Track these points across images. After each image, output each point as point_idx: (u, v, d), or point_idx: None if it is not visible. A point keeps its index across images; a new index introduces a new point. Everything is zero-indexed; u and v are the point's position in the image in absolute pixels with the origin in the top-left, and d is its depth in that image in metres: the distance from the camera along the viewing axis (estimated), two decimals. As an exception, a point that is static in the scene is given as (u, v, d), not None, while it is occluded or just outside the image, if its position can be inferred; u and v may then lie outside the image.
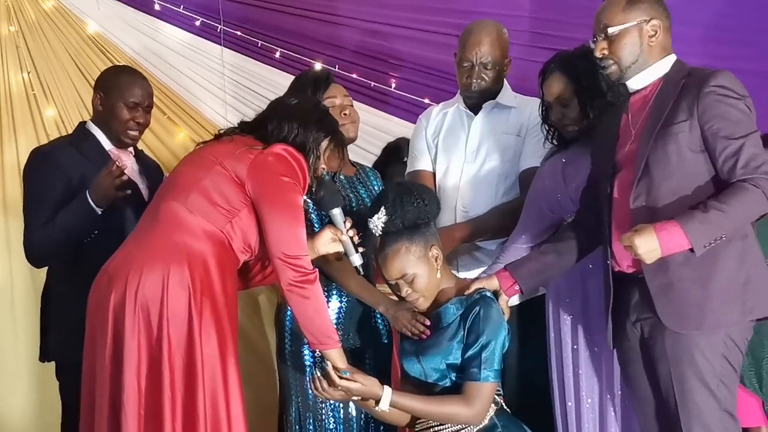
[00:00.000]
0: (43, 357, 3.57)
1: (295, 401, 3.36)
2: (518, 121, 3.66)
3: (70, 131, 3.82)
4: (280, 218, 2.87)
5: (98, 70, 4.71)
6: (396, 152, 4.51)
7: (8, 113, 4.76)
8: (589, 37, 3.27)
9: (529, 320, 3.54)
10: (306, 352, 3.31)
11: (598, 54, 2.93)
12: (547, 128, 3.46)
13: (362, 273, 3.17)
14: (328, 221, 3.23)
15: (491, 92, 3.73)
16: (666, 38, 2.95)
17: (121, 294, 2.79)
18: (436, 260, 3.03)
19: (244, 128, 3.10)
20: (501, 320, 2.96)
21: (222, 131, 3.15)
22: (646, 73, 2.94)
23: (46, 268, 3.57)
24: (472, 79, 3.67)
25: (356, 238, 3.13)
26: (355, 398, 2.94)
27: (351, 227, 3.13)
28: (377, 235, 3.07)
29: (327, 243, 3.14)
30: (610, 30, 2.90)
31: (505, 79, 3.77)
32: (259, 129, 3.05)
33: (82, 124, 3.60)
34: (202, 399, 2.78)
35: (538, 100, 3.58)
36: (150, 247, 2.86)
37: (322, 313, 2.95)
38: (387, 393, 2.87)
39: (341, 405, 3.29)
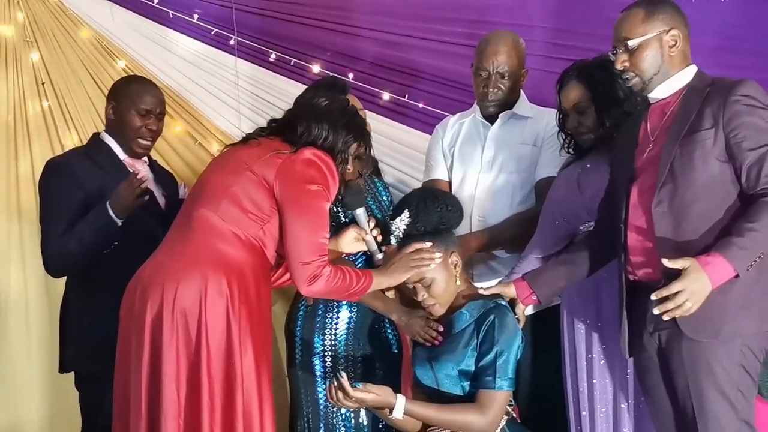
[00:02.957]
0: (62, 368, 3.56)
1: (305, 410, 3.39)
2: (534, 131, 3.67)
3: (85, 141, 3.83)
4: (300, 226, 2.87)
5: (111, 79, 4.75)
6: None
7: (23, 123, 4.79)
8: (607, 47, 3.25)
9: (543, 330, 3.55)
10: (316, 362, 3.37)
11: (619, 66, 2.92)
12: (563, 137, 3.47)
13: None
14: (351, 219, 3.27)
15: (507, 102, 3.74)
16: (686, 47, 2.94)
17: (158, 304, 2.78)
18: (455, 267, 3.05)
19: (273, 130, 3.08)
20: (516, 329, 2.98)
21: (249, 134, 3.12)
22: (669, 83, 2.93)
23: (64, 279, 3.57)
24: (488, 88, 3.69)
25: (380, 238, 3.17)
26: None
27: (375, 227, 3.16)
28: (398, 238, 3.09)
29: (351, 242, 3.19)
30: (630, 42, 2.89)
31: (521, 90, 3.78)
32: (288, 131, 3.02)
33: (96, 134, 3.61)
34: (240, 408, 2.79)
35: (554, 111, 3.60)
36: (185, 256, 2.85)
37: (346, 285, 2.92)
38: (401, 401, 2.89)
39: (352, 414, 3.34)
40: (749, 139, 2.73)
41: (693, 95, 2.88)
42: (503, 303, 3.06)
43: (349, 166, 3.09)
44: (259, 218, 2.88)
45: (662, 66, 2.92)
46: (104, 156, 3.49)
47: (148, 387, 2.77)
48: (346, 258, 3.39)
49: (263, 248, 2.91)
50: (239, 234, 2.87)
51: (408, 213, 3.08)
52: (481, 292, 3.13)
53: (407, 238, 3.06)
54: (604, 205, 3.15)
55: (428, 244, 3.03)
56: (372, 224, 3.16)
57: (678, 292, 2.65)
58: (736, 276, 2.68)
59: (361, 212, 3.14)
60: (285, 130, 3.03)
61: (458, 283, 3.07)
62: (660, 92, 2.95)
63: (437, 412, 2.94)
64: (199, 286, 2.79)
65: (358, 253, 3.41)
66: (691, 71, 2.94)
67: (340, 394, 2.86)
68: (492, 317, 2.96)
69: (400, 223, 3.08)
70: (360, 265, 3.47)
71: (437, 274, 3.03)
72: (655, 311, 2.70)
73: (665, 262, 2.68)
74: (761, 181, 2.70)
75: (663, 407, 2.97)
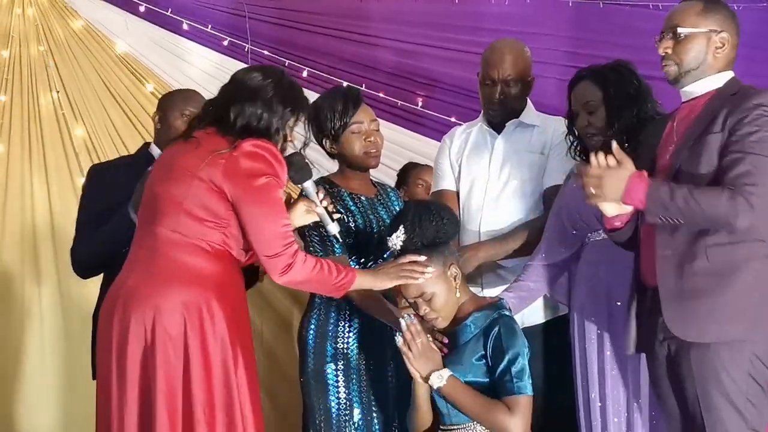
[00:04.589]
0: (95, 375, 3.62)
1: (318, 418, 3.36)
2: (541, 139, 3.65)
3: (99, 150, 3.87)
4: (260, 221, 2.85)
5: (126, 89, 4.77)
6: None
7: (38, 132, 4.86)
8: (620, 56, 3.43)
9: (554, 339, 3.56)
10: (329, 370, 3.33)
11: (661, 51, 2.93)
12: (570, 140, 3.47)
13: (341, 241, 3.23)
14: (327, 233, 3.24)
15: (514, 110, 3.74)
16: (731, 54, 2.95)
17: (140, 333, 2.77)
18: (454, 279, 3.03)
19: (208, 120, 3.00)
20: (522, 336, 2.99)
21: (187, 129, 3.05)
22: (702, 83, 2.95)
23: (78, 289, 3.62)
24: (494, 95, 3.68)
25: (331, 207, 3.15)
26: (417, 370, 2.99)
27: (325, 197, 3.14)
28: (396, 253, 3.08)
29: (302, 215, 3.14)
30: (680, 30, 2.90)
31: (528, 98, 3.78)
32: (223, 117, 2.94)
33: (146, 145, 3.70)
34: (239, 419, 2.80)
35: (562, 119, 3.60)
36: (158, 279, 2.83)
37: (325, 276, 2.91)
38: (447, 371, 2.94)
39: (364, 424, 3.32)
40: (741, 141, 2.76)
41: (718, 100, 2.90)
42: (507, 313, 3.05)
43: (290, 141, 3.04)
44: (219, 224, 2.86)
45: (703, 63, 2.93)
46: (148, 164, 3.49)
47: (139, 410, 2.76)
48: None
49: (230, 251, 2.90)
50: (204, 246, 2.85)
51: (403, 228, 3.05)
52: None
53: (404, 254, 3.05)
54: None
55: (423, 258, 3.05)
56: (321, 195, 3.13)
57: (596, 177, 2.75)
58: (640, 211, 2.80)
59: (309, 185, 3.10)
60: (221, 117, 2.95)
61: (458, 295, 3.05)
62: (691, 89, 2.96)
63: (472, 395, 2.94)
64: (180, 309, 2.78)
65: (369, 263, 3.40)
66: (725, 77, 2.94)
67: (418, 326, 2.98)
68: (498, 327, 2.95)
69: (396, 239, 3.05)
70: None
71: (437, 288, 3.01)
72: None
73: (614, 146, 2.77)
74: (726, 179, 2.75)
75: (674, 415, 2.97)
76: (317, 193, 3.11)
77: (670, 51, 2.92)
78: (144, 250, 2.91)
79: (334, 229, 3.13)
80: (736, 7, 4.66)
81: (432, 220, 3.04)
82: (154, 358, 2.74)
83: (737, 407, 2.78)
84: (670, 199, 2.75)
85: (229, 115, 2.91)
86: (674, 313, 2.82)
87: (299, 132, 3.08)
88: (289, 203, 3.19)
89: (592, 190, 2.78)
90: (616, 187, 2.77)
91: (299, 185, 3.13)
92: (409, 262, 3.00)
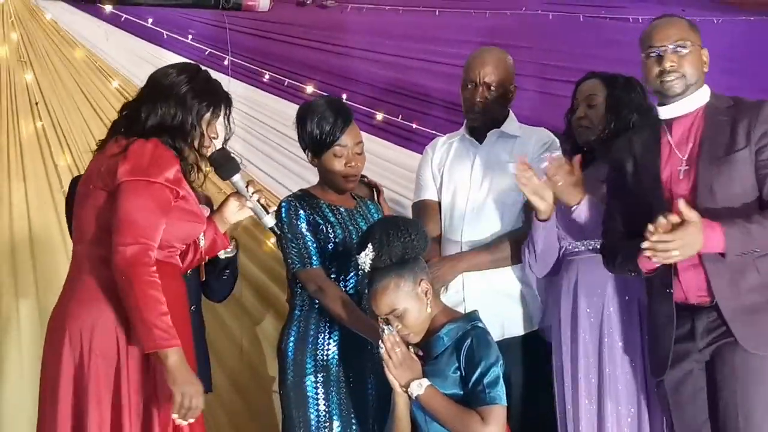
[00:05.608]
0: None
1: (298, 430, 3.35)
2: (523, 150, 3.62)
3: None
4: (122, 206, 2.76)
5: (105, 98, 4.73)
6: None
7: (16, 144, 4.83)
8: (596, 68, 3.58)
9: (533, 351, 3.61)
10: (308, 382, 3.34)
11: (668, 65, 2.98)
12: (563, 138, 3.60)
13: (277, 233, 3.22)
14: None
15: (495, 119, 3.76)
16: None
17: (73, 352, 2.75)
18: (425, 294, 3.05)
19: (118, 128, 2.95)
20: (495, 347, 3.01)
21: (103, 139, 3.00)
22: (695, 96, 3.03)
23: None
24: (475, 98, 3.71)
25: (263, 200, 3.11)
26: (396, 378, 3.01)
27: (256, 191, 3.11)
28: (366, 271, 3.10)
29: (235, 212, 3.12)
30: (685, 43, 2.99)
31: (510, 109, 3.80)
32: (134, 121, 2.90)
33: None
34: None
35: (543, 130, 3.68)
36: (83, 296, 2.80)
37: (148, 293, 2.75)
38: (426, 380, 2.97)
39: None
40: None
41: (718, 114, 2.99)
42: (480, 324, 3.08)
43: (209, 137, 2.99)
44: None
45: (699, 78, 3.03)
46: None
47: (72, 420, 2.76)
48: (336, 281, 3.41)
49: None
50: None
51: (372, 246, 3.06)
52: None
53: (374, 272, 3.07)
54: (613, 206, 3.23)
55: None
56: (252, 189, 3.10)
57: (672, 240, 2.76)
58: (722, 255, 2.82)
59: (237, 179, 3.08)
60: (131, 122, 2.90)
61: (429, 310, 3.07)
62: (690, 103, 3.03)
63: (449, 405, 2.96)
64: (109, 323, 2.76)
65: (350, 274, 3.42)
66: (708, 89, 3.05)
67: (397, 338, 2.99)
68: (470, 339, 2.98)
69: (366, 258, 3.06)
70: (352, 282, 3.45)
71: (408, 304, 3.02)
72: (644, 245, 2.79)
73: (680, 204, 2.78)
74: None
75: (693, 421, 3.02)
76: (247, 187, 3.08)
77: (676, 65, 2.99)
78: (73, 271, 2.89)
79: (269, 221, 3.10)
80: (715, 21, 4.76)
81: (400, 237, 3.05)
82: (83, 377, 2.73)
83: None
84: (748, 235, 2.82)
85: (140, 116, 2.87)
86: (744, 329, 2.88)
87: (223, 126, 3.05)
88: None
89: (676, 253, 2.80)
90: (696, 243, 2.80)
91: (226, 181, 3.10)
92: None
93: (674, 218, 2.78)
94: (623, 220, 3.14)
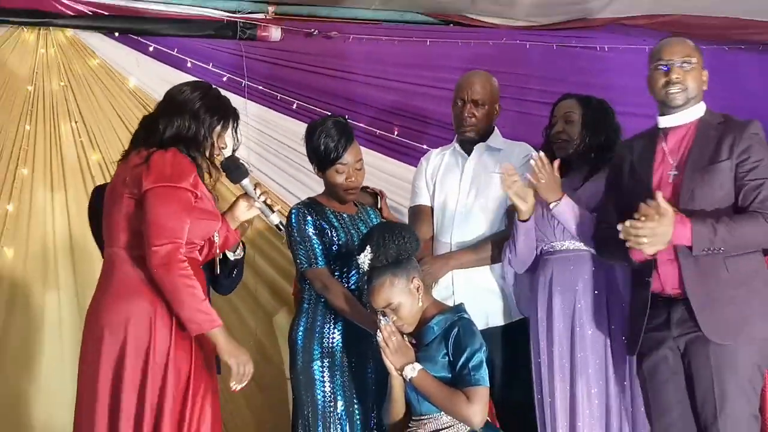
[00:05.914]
0: None
1: (306, 410, 3.50)
2: (507, 161, 3.74)
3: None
4: (152, 210, 2.86)
5: (137, 119, 4.87)
6: None
7: (58, 157, 4.93)
8: (567, 91, 3.71)
9: (512, 340, 3.76)
10: (316, 367, 3.48)
11: (674, 77, 3.08)
12: (540, 146, 3.69)
13: (281, 230, 3.27)
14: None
15: (482, 134, 3.90)
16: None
17: (112, 349, 2.83)
18: (417, 290, 3.18)
19: (139, 139, 3.04)
20: (479, 335, 3.17)
21: (127, 150, 3.08)
22: (692, 110, 3.14)
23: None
24: (464, 113, 3.86)
25: (269, 200, 3.19)
26: (392, 362, 3.15)
27: (263, 192, 3.18)
28: (365, 270, 3.24)
29: (244, 211, 3.18)
30: (691, 60, 3.10)
31: (495, 126, 3.98)
32: (153, 131, 2.99)
33: None
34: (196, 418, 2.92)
35: (524, 144, 3.87)
36: (117, 294, 2.88)
37: (187, 289, 2.86)
38: (418, 365, 3.11)
39: (346, 415, 3.47)
40: (754, 171, 2.99)
41: (709, 128, 3.07)
42: (465, 316, 3.19)
43: (219, 147, 3.06)
44: None
45: (699, 93, 3.14)
46: None
47: (109, 405, 2.84)
48: (337, 277, 3.55)
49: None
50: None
51: (370, 248, 3.16)
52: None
53: (372, 270, 3.17)
54: (617, 204, 3.28)
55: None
56: (259, 191, 3.15)
57: (642, 228, 2.88)
58: (690, 248, 2.91)
59: (246, 182, 3.13)
60: (151, 131, 2.99)
61: (420, 303, 3.18)
62: (687, 115, 3.13)
63: (438, 386, 3.07)
64: (143, 314, 2.85)
65: (352, 272, 3.55)
66: (704, 106, 3.16)
67: (393, 328, 3.11)
68: (457, 329, 3.11)
69: (365, 258, 3.17)
70: (354, 279, 3.56)
71: (402, 299, 3.14)
72: (619, 227, 2.91)
73: (658, 196, 2.89)
74: (754, 204, 2.98)
75: (667, 402, 3.13)
76: (255, 189, 3.16)
77: (680, 78, 3.09)
78: (104, 273, 2.98)
79: (275, 219, 3.17)
80: (726, 48, 4.91)
81: (395, 240, 3.18)
82: (120, 372, 2.83)
83: (746, 394, 2.98)
84: (714, 234, 2.91)
85: (158, 128, 2.97)
86: (708, 320, 2.98)
87: (231, 138, 3.15)
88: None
89: (645, 240, 2.90)
90: (665, 234, 2.91)
91: (237, 184, 3.21)
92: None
93: (654, 204, 2.86)
94: (616, 214, 3.16)
